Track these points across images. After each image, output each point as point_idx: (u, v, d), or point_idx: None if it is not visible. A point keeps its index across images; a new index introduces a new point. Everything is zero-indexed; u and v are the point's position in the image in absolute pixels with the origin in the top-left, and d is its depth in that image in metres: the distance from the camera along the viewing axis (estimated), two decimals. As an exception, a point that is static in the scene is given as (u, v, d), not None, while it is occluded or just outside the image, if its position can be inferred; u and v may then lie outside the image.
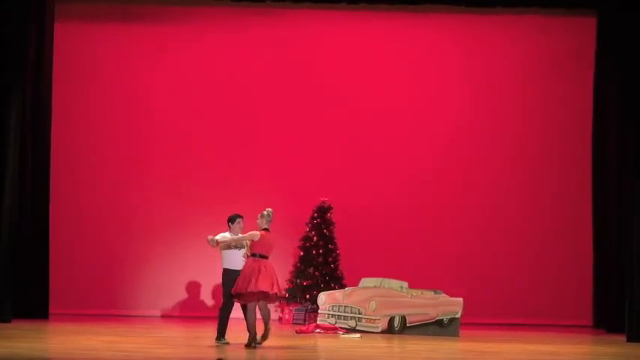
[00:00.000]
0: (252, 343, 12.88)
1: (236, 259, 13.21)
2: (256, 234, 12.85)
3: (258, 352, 12.75)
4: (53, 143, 17.09)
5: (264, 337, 12.99)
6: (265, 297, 12.73)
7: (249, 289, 12.61)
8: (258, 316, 13.00)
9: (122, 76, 17.90)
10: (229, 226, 13.52)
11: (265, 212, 13.03)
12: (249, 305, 12.89)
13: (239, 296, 12.82)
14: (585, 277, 17.52)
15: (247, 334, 12.93)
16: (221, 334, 13.31)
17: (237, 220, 13.49)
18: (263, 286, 12.61)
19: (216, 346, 13.01)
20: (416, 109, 18.08)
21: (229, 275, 13.20)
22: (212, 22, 18.03)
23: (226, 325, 13.33)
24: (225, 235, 13.38)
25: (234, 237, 13.15)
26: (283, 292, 13.09)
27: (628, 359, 13.13)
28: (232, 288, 12.86)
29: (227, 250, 13.31)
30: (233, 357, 12.16)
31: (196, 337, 14.61)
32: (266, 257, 12.86)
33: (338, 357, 12.67)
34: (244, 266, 12.93)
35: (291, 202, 17.14)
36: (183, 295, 17.68)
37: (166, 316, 17.54)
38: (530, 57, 18.03)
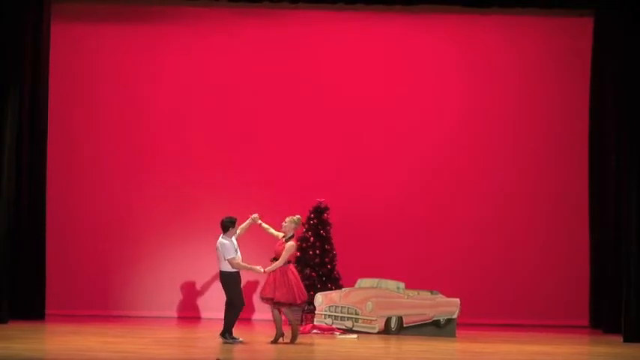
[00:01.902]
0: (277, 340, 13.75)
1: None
2: (293, 246, 13.76)
3: (257, 352, 12.77)
4: (50, 144, 17.05)
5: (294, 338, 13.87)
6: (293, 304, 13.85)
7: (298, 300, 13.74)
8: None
9: (119, 75, 17.85)
10: (229, 230, 13.60)
11: (296, 218, 13.90)
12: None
13: (281, 304, 13.70)
14: (582, 278, 17.52)
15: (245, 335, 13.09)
16: (231, 332, 13.47)
17: (237, 223, 13.68)
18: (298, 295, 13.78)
19: (231, 343, 13.18)
20: (413, 109, 18.06)
21: (234, 277, 13.38)
22: (209, 22, 17.99)
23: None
24: (233, 242, 13.55)
25: (282, 259, 13.64)
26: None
27: (625, 360, 13.18)
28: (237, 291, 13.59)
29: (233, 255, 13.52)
30: (232, 357, 12.17)
31: (194, 337, 14.61)
32: (290, 263, 13.87)
33: (335, 358, 12.67)
34: (281, 274, 13.59)
35: (288, 202, 17.09)
36: (180, 295, 17.64)
37: (163, 317, 17.50)
38: (527, 57, 18.00)
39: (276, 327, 13.72)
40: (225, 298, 13.74)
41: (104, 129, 17.81)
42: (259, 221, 14.02)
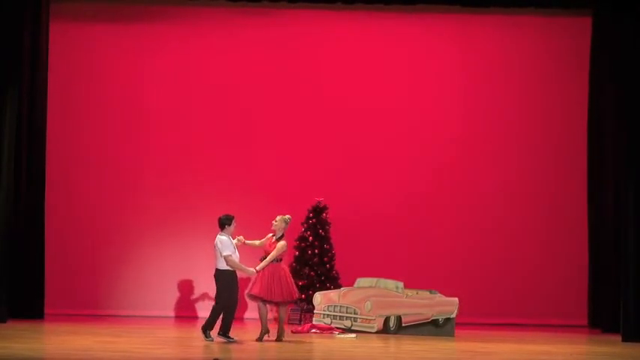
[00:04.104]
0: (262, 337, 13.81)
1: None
2: (285, 245, 13.72)
3: (255, 352, 12.77)
4: (48, 143, 17.04)
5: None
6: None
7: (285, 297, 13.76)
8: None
9: (118, 75, 17.86)
10: (225, 227, 13.58)
11: (287, 217, 13.90)
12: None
13: (271, 302, 13.80)
14: (581, 277, 17.53)
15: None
16: (227, 330, 13.46)
17: (234, 221, 13.65)
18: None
19: (225, 342, 13.17)
20: (411, 109, 18.07)
21: (230, 276, 13.35)
22: (208, 22, 18.01)
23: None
24: (231, 240, 13.52)
25: (271, 257, 13.68)
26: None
27: (623, 359, 13.15)
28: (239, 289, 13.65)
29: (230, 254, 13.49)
30: (230, 357, 12.18)
31: (193, 337, 14.60)
32: (281, 261, 13.83)
33: (334, 357, 12.68)
34: (272, 272, 13.62)
35: (287, 201, 17.10)
36: (179, 295, 17.66)
37: (162, 317, 17.50)
38: (526, 57, 18.02)
39: (262, 324, 13.83)
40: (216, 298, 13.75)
41: (103, 129, 17.81)
42: (244, 241, 13.97)
